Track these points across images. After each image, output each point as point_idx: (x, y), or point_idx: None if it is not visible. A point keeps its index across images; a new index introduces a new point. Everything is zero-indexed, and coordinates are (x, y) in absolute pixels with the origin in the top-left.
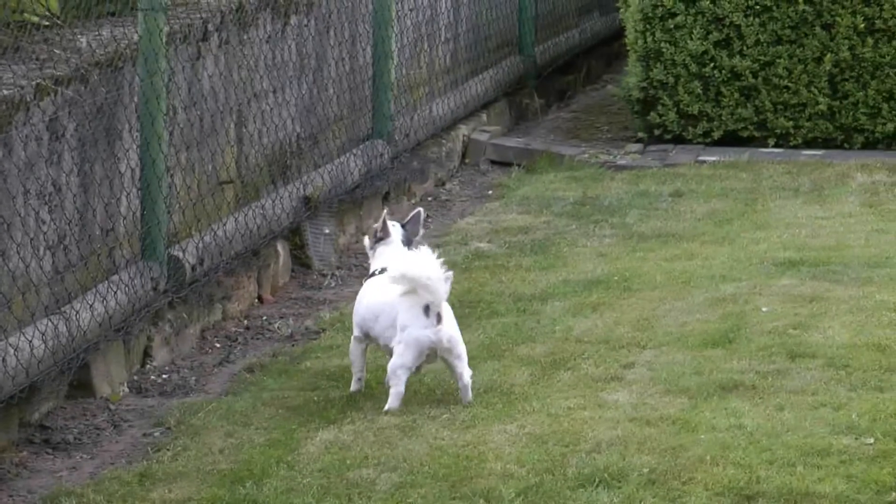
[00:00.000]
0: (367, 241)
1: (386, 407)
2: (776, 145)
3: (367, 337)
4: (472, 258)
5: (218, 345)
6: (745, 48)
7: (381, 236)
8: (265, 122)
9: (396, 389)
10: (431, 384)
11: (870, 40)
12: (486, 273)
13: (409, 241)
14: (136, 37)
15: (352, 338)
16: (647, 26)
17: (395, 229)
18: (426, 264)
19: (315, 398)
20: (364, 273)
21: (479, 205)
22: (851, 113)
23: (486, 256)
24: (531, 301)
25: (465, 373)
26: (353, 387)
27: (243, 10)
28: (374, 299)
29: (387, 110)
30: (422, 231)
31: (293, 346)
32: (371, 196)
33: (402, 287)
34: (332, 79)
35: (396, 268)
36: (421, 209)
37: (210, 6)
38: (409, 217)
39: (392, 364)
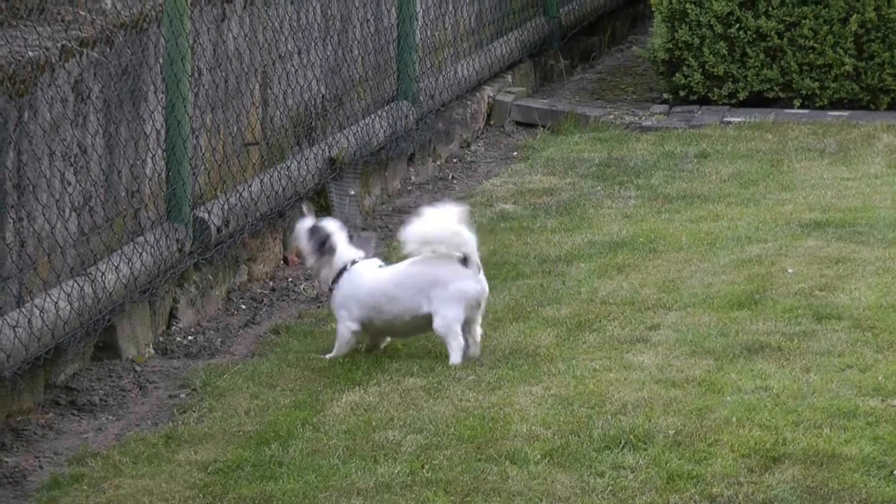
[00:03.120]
0: (308, 255)
1: (451, 361)
2: (802, 106)
3: (365, 327)
4: (497, 220)
5: (243, 306)
6: (770, 9)
7: (327, 250)
8: (290, 83)
9: (457, 342)
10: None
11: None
12: (512, 235)
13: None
14: None
15: (348, 327)
16: None
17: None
18: (443, 219)
19: (340, 360)
20: (388, 234)
21: (504, 166)
22: (877, 74)
23: (512, 218)
24: (556, 262)
25: (479, 327)
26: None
27: None
28: (383, 277)
29: (412, 72)
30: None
31: (318, 307)
32: (396, 158)
33: (424, 250)
34: (357, 40)
35: (414, 232)
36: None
37: None
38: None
39: (443, 320)
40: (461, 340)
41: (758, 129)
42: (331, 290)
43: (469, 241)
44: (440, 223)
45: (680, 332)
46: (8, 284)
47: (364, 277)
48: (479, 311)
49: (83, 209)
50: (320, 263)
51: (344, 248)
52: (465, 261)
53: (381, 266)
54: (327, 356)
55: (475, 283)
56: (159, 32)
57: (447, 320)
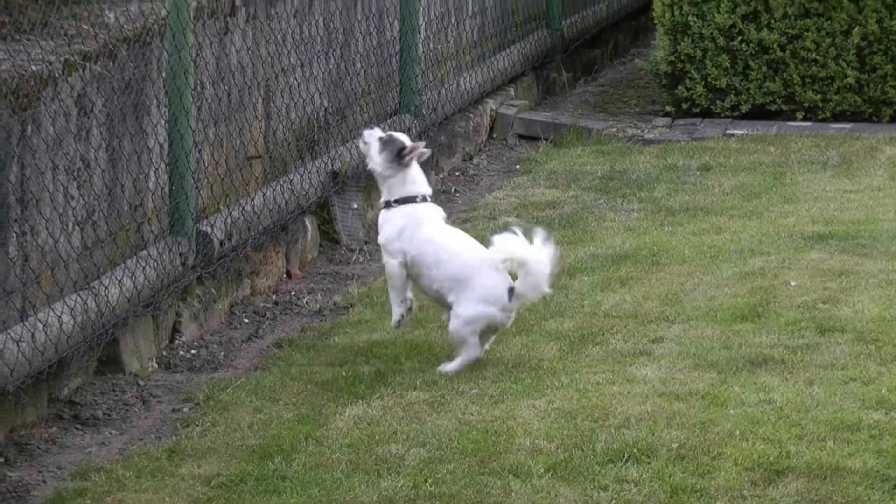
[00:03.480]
0: (382, 154)
1: (449, 367)
2: (804, 119)
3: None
4: (499, 233)
5: (246, 320)
6: (772, 21)
7: (406, 162)
8: (293, 96)
9: (466, 355)
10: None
11: None
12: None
13: None
14: (163, 12)
15: (394, 262)
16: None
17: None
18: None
19: (343, 373)
20: None
21: (506, 179)
22: (880, 86)
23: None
24: (559, 275)
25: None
26: (398, 316)
27: None
28: (440, 238)
29: (414, 85)
30: None
31: (321, 321)
32: None
33: (500, 260)
34: (360, 53)
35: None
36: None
37: None
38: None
39: (460, 332)
40: (475, 352)
41: (760, 142)
42: (387, 204)
43: (543, 291)
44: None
45: (683, 346)
46: (11, 298)
47: (428, 221)
48: (493, 334)
49: (86, 223)
50: (391, 173)
51: (421, 175)
52: (511, 291)
53: (444, 219)
54: (394, 321)
55: (504, 317)
56: (162, 46)
57: (462, 333)
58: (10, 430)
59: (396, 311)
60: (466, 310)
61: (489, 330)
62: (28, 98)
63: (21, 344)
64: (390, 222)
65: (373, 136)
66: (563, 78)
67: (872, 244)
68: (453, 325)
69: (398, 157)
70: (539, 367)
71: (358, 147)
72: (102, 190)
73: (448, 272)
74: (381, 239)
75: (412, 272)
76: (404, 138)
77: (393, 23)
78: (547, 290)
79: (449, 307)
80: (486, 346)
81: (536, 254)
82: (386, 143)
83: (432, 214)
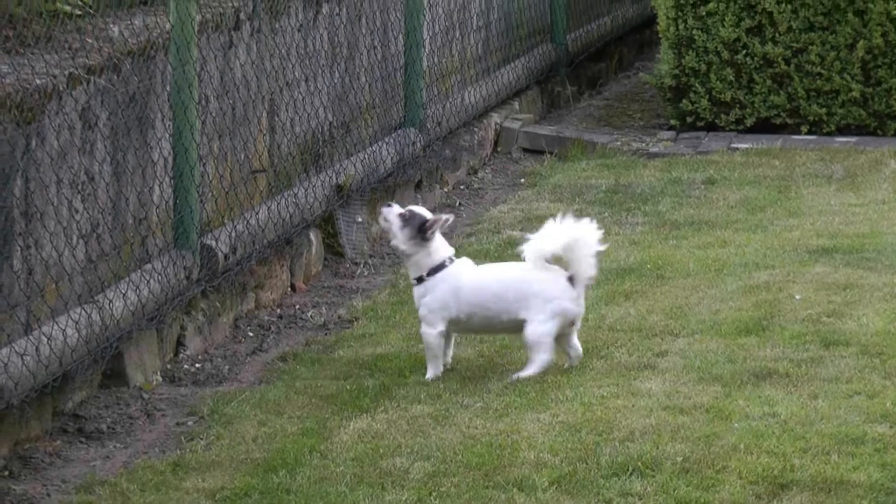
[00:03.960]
0: (403, 231)
1: (525, 373)
2: (809, 132)
3: (455, 324)
4: (504, 246)
5: (251, 334)
6: (777, 35)
7: (430, 237)
8: (297, 110)
9: (543, 357)
10: (464, 373)
11: None
12: (519, 261)
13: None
14: (167, 25)
15: (433, 332)
16: (679, 13)
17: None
18: (570, 229)
19: (348, 387)
20: (397, 261)
21: (511, 193)
22: (884, 99)
23: (519, 245)
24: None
25: (575, 337)
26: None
27: None
28: (489, 276)
29: (419, 99)
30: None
31: (326, 334)
32: (403, 184)
33: (540, 260)
34: (364, 67)
35: (541, 243)
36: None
37: None
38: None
39: (537, 333)
40: (549, 356)
41: (765, 156)
42: (419, 280)
43: (593, 266)
44: (569, 232)
45: (687, 359)
46: (16, 312)
47: (467, 274)
48: (573, 329)
49: (91, 236)
50: (416, 249)
51: (441, 240)
52: (571, 279)
53: (475, 264)
54: (429, 377)
55: (576, 305)
56: (166, 60)
57: (540, 333)
58: (14, 444)
59: (432, 371)
60: (540, 315)
61: (567, 324)
62: (32, 111)
63: (25, 357)
64: (431, 294)
65: (392, 213)
66: (568, 92)
67: (877, 258)
68: (531, 330)
69: (420, 232)
70: (543, 381)
71: (379, 223)
72: (107, 203)
73: (510, 297)
74: (422, 311)
75: (475, 324)
76: (424, 212)
77: (397, 37)
78: (595, 253)
79: (524, 324)
80: (575, 343)
81: (570, 229)
82: (407, 219)
83: (465, 267)
